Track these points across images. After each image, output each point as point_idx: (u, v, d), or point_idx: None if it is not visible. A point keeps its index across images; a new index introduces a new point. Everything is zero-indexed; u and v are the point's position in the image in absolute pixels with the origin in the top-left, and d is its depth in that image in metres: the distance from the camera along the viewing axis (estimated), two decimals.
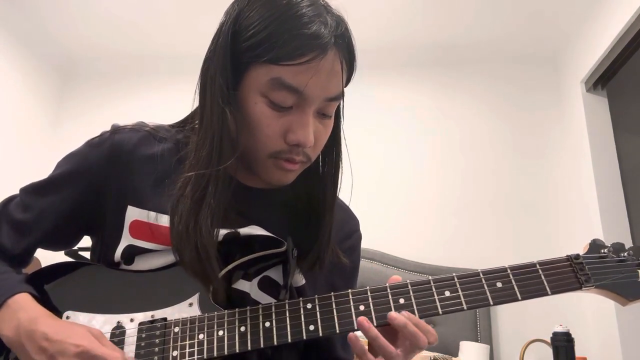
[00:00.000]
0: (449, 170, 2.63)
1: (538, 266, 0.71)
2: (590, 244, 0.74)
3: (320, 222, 0.78)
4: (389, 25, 2.64)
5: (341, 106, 0.79)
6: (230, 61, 0.70)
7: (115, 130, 0.80)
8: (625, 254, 0.71)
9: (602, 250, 0.72)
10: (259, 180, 0.80)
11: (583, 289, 0.69)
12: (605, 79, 2.32)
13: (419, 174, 2.64)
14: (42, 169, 0.84)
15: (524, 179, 2.55)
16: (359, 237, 0.93)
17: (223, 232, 0.73)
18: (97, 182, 0.77)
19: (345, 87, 0.74)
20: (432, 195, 2.60)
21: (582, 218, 2.34)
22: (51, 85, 3.05)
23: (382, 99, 2.81)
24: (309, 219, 0.79)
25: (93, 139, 0.81)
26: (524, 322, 2.29)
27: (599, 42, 2.20)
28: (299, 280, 0.79)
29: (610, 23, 2.09)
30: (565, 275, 0.70)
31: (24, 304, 0.69)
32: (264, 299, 0.76)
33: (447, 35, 2.70)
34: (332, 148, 0.80)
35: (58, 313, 0.72)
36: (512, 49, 2.73)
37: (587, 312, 2.20)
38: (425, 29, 2.66)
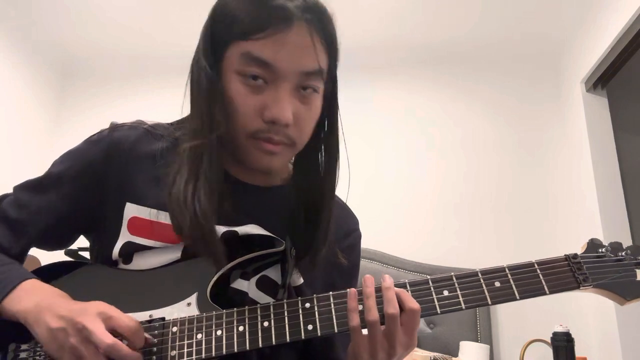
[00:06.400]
0: (449, 171, 2.63)
1: (536, 265, 0.71)
2: (588, 243, 0.74)
3: (318, 219, 0.77)
4: (389, 25, 2.64)
5: (336, 97, 0.79)
6: (210, 45, 0.73)
7: (114, 127, 0.80)
8: (623, 253, 0.71)
9: (600, 250, 0.72)
10: (257, 177, 0.80)
11: (581, 288, 0.69)
12: (605, 79, 2.31)
13: (419, 174, 2.64)
14: (42, 168, 0.83)
15: (523, 178, 2.55)
16: (358, 236, 0.93)
17: (222, 229, 0.73)
18: (95, 179, 0.77)
19: (329, 67, 0.74)
20: (433, 196, 2.60)
21: (582, 218, 2.34)
22: (51, 84, 3.05)
23: (383, 99, 2.81)
24: (308, 216, 0.79)
25: (91, 136, 0.81)
26: (524, 322, 2.28)
27: (599, 42, 2.19)
28: (297, 279, 0.79)
29: (610, 23, 2.09)
30: (563, 274, 0.71)
31: (43, 285, 0.72)
32: (262, 298, 0.76)
33: (446, 35, 2.70)
34: (330, 141, 0.80)
35: None
36: (512, 49, 2.73)
37: (587, 312, 2.20)
38: (425, 28, 2.66)
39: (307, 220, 0.78)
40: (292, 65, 0.69)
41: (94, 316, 0.63)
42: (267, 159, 0.74)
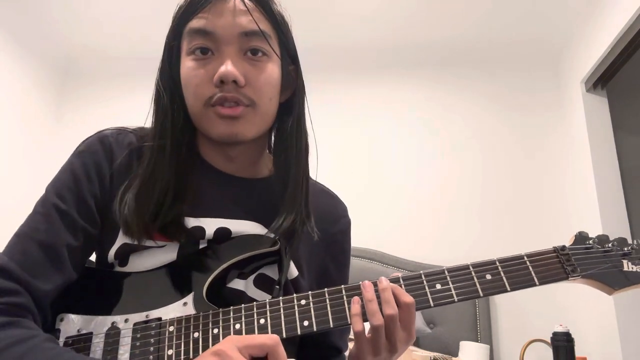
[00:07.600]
0: (449, 171, 2.63)
1: (526, 258, 0.74)
2: (575, 236, 0.76)
3: (292, 199, 0.78)
4: (391, 25, 2.64)
5: (301, 80, 0.82)
6: (170, 41, 0.79)
7: (100, 133, 0.80)
8: (610, 244, 0.73)
9: (588, 242, 0.74)
10: (246, 169, 0.82)
11: (570, 278, 0.71)
12: (605, 79, 2.31)
13: (420, 174, 2.64)
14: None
15: (524, 179, 2.55)
16: (347, 222, 0.93)
17: (215, 224, 0.74)
18: (103, 183, 0.76)
19: (279, 39, 0.77)
20: (433, 196, 2.59)
21: (582, 218, 2.33)
22: (53, 83, 3.06)
23: (383, 100, 2.81)
24: (286, 199, 0.80)
25: (78, 147, 0.78)
26: (524, 322, 2.28)
27: (599, 42, 2.19)
28: (292, 272, 0.80)
29: (610, 23, 2.09)
30: (552, 266, 0.73)
31: None
32: (261, 296, 0.77)
33: (447, 35, 2.70)
34: (298, 124, 0.81)
35: (53, 316, 0.70)
36: (512, 49, 2.73)
37: (587, 312, 2.20)
38: (426, 29, 2.66)
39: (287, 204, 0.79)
40: (230, 28, 0.73)
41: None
42: (230, 125, 0.74)
